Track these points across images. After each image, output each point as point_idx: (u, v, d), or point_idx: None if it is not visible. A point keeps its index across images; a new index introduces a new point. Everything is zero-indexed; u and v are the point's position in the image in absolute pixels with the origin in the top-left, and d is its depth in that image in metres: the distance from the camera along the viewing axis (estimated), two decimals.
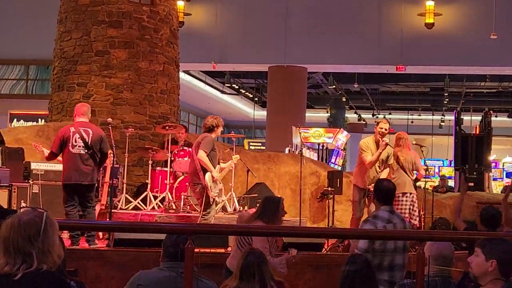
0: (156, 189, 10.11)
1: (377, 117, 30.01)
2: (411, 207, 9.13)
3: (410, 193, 9.15)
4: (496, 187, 22.05)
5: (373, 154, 8.79)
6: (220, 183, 8.41)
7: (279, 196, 6.31)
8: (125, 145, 10.32)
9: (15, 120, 19.21)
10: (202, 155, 8.10)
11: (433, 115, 30.30)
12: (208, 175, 8.15)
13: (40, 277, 2.61)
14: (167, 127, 10.10)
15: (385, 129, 8.79)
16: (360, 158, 9.03)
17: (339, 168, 17.26)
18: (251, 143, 29.24)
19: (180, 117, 15.41)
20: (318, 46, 18.30)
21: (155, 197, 9.93)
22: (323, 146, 17.59)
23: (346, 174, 12.25)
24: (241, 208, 10.22)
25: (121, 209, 9.83)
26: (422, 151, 10.54)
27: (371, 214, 5.77)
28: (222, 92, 27.82)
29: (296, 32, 18.32)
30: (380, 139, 8.78)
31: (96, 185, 8.44)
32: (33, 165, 9.25)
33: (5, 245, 2.63)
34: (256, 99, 28.30)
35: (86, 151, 7.90)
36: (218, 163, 8.61)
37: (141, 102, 11.88)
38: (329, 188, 11.12)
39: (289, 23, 18.20)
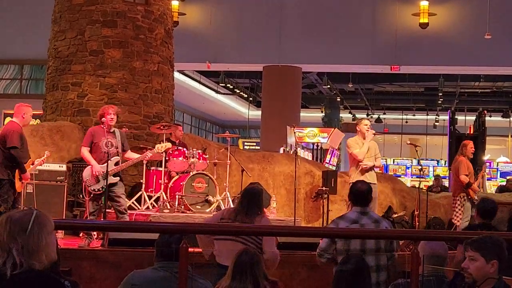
0: (151, 189, 10.07)
1: (371, 117, 30.08)
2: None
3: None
4: (490, 187, 22.06)
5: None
6: (114, 178, 8.13)
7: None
8: None
9: (9, 119, 19.15)
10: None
11: (427, 115, 30.32)
12: (87, 169, 8.23)
13: (34, 276, 2.61)
14: (162, 127, 10.05)
15: (369, 125, 9.29)
16: (351, 156, 9.15)
17: (334, 168, 17.27)
18: (245, 143, 29.27)
19: (175, 116, 15.37)
20: (312, 46, 18.29)
21: (150, 197, 9.90)
22: (317, 146, 17.58)
23: (341, 174, 12.26)
24: None
25: None
26: (417, 151, 10.55)
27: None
28: (217, 92, 27.81)
29: (291, 32, 18.31)
30: (366, 132, 9.14)
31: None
32: None
33: None
34: (251, 99, 28.29)
35: None
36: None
37: (136, 101, 11.87)
38: (324, 188, 11.12)
39: (283, 23, 18.19)
